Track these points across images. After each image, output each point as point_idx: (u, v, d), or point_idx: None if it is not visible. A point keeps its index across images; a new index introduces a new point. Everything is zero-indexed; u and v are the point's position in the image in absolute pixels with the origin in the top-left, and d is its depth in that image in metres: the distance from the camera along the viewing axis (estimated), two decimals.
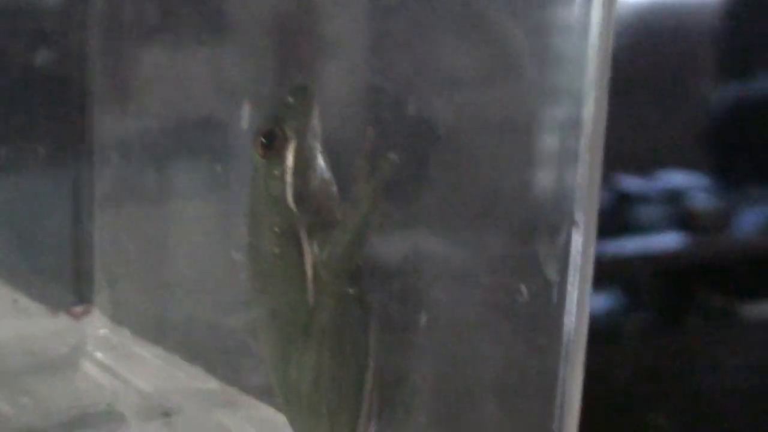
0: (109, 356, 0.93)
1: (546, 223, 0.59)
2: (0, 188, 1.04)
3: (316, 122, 0.69)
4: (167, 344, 0.91)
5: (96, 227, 0.99)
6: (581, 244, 0.58)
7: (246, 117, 0.78)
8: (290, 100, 0.70)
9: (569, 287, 0.59)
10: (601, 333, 1.98)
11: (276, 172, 0.69)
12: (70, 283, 1.01)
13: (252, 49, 0.84)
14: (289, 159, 0.69)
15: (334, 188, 0.70)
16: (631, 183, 2.21)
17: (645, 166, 2.25)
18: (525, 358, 0.62)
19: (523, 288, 0.61)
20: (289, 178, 0.69)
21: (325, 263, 0.69)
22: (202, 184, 0.88)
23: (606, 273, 2.14)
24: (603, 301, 2.15)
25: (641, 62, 2.20)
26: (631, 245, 2.14)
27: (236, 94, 0.83)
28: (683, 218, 2.20)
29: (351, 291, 0.69)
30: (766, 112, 2.28)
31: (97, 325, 0.97)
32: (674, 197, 2.23)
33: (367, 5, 0.72)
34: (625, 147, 2.19)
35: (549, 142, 0.59)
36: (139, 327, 0.94)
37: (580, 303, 0.58)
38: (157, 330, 0.92)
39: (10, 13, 0.99)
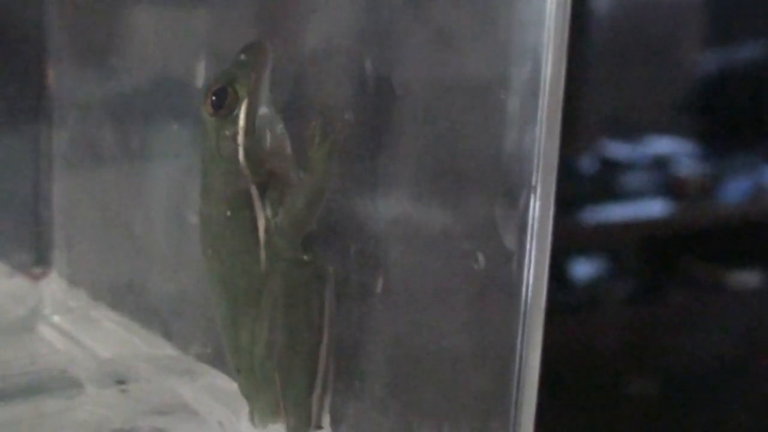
0: (66, 320, 0.91)
1: (504, 188, 0.57)
2: None
3: (267, 80, 0.67)
4: (124, 308, 0.89)
5: (55, 188, 0.97)
6: (539, 209, 0.56)
7: (201, 74, 0.75)
8: (243, 57, 0.67)
9: (527, 255, 0.56)
10: (585, 299, 1.99)
11: (227, 132, 0.66)
12: (29, 245, 0.99)
13: (212, 5, 0.81)
14: (241, 118, 0.66)
15: (289, 150, 0.68)
16: (617, 149, 2.21)
17: (631, 133, 2.25)
18: (481, 327, 0.60)
19: (480, 255, 0.58)
20: (240, 138, 0.66)
21: (279, 227, 0.67)
22: (161, 144, 0.86)
23: (591, 240, 2.14)
24: (588, 268, 2.15)
25: (628, 29, 2.20)
26: (616, 212, 2.15)
27: (197, 53, 0.80)
28: (669, 185, 2.21)
29: (305, 257, 0.67)
30: (753, 79, 2.29)
31: (54, 288, 0.95)
32: (660, 164, 2.23)
33: None
34: (612, 113, 2.20)
35: (508, 105, 0.57)
36: (97, 290, 0.92)
37: (538, 270, 0.56)
38: (114, 294, 0.91)
39: None
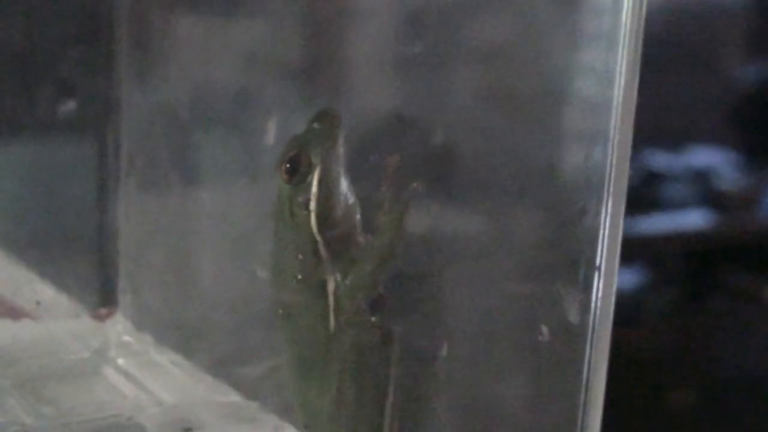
0: (132, 363, 0.93)
1: (566, 266, 0.59)
2: (28, 179, 1.04)
3: (340, 148, 0.69)
4: (190, 354, 0.91)
5: (122, 228, 0.98)
6: (602, 287, 0.58)
7: (272, 132, 0.77)
8: (315, 125, 0.69)
9: (590, 331, 0.58)
10: (627, 311, 1.98)
11: (300, 199, 0.69)
12: (95, 284, 1.00)
13: (283, 24, 0.82)
14: (314, 185, 0.68)
15: (358, 215, 0.70)
16: (660, 161, 2.22)
17: (673, 144, 2.25)
18: (547, 395, 0.62)
19: (544, 328, 0.61)
20: (313, 204, 0.69)
21: (347, 292, 0.69)
22: (232, 196, 0.88)
23: (633, 251, 2.15)
24: (630, 279, 2.16)
25: (672, 41, 2.20)
26: (658, 223, 2.16)
27: (268, 72, 0.82)
28: (710, 197, 2.22)
29: (372, 320, 0.69)
30: None
31: (119, 330, 0.97)
32: (702, 176, 2.24)
33: (392, 29, 0.72)
34: (655, 125, 2.20)
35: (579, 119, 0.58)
36: (162, 334, 0.94)
37: (600, 348, 0.58)
38: (180, 338, 0.92)
39: None
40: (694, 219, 2.19)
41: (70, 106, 0.99)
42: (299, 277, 0.70)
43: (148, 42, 0.94)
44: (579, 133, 0.59)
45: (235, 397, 0.85)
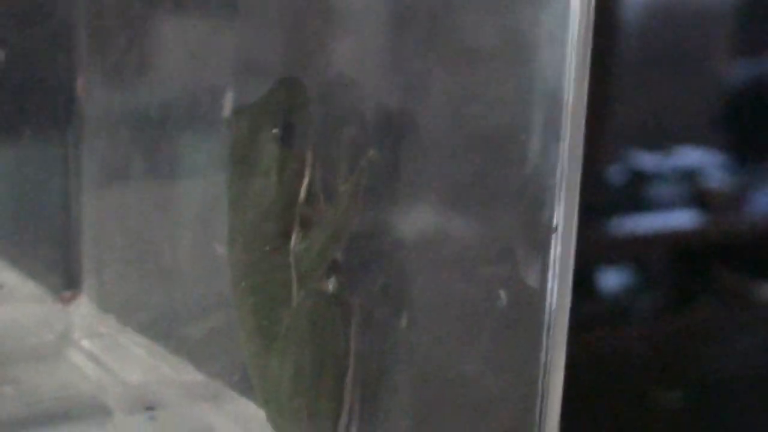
0: (96, 345, 0.92)
1: (526, 227, 0.58)
2: None
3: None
4: (152, 334, 0.90)
5: (85, 212, 0.98)
6: (560, 249, 0.57)
7: (228, 105, 0.76)
8: (283, 92, 0.68)
9: (549, 291, 0.57)
10: (613, 310, 1.99)
11: (294, 165, 0.68)
12: (57, 268, 1.00)
13: (252, 27, 0.82)
14: (310, 154, 0.68)
15: (318, 184, 0.69)
16: (646, 160, 2.22)
17: (660, 144, 2.25)
18: (504, 361, 0.61)
19: (503, 293, 0.59)
20: (308, 171, 0.68)
21: (300, 259, 0.68)
22: (189, 170, 0.87)
23: (619, 250, 2.15)
24: (616, 279, 2.17)
25: (657, 40, 2.21)
26: (644, 223, 2.16)
27: (227, 76, 0.81)
28: (697, 196, 2.21)
29: (330, 289, 0.68)
30: None
31: (83, 312, 0.97)
32: (689, 175, 2.23)
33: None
34: (641, 125, 2.21)
35: (530, 145, 0.58)
36: (125, 315, 0.93)
37: (559, 311, 0.57)
38: (143, 319, 0.92)
39: None
40: (681, 219, 2.19)
41: (36, 102, 1.00)
42: (267, 248, 0.69)
43: (109, 42, 0.94)
44: (536, 94, 0.58)
45: (197, 376, 0.85)
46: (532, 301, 0.58)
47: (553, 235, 0.56)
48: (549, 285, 0.57)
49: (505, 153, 0.59)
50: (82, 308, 0.97)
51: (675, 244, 2.22)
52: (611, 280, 2.16)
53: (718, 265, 2.22)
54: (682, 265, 2.23)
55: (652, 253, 2.23)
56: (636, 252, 2.20)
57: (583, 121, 0.55)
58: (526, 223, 0.58)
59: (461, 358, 0.63)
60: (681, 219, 2.18)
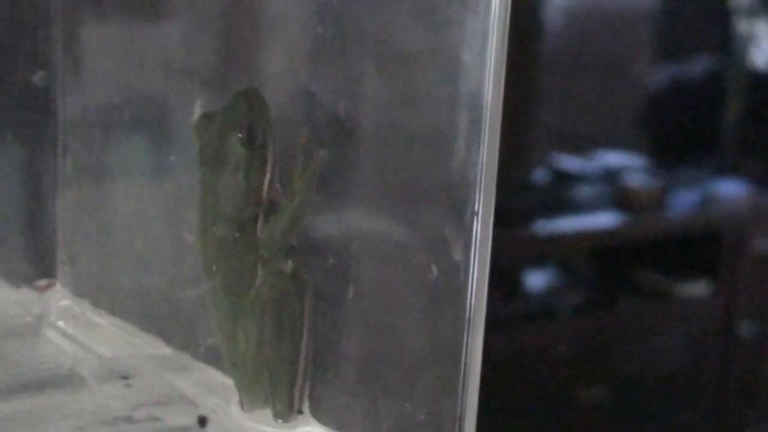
0: (71, 325, 1.00)
1: (453, 208, 0.69)
2: None
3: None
4: (124, 314, 0.99)
5: (59, 205, 1.05)
6: (481, 229, 0.68)
7: (198, 112, 0.87)
8: (243, 102, 0.80)
9: (472, 268, 0.69)
10: (535, 308, 2.02)
11: (256, 163, 0.79)
12: (33, 259, 1.06)
13: (200, 31, 0.91)
14: (270, 151, 0.79)
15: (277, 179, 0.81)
16: (569, 162, 2.24)
17: (581, 146, 2.27)
18: (435, 328, 0.73)
19: (434, 267, 0.71)
20: (269, 169, 0.79)
21: (264, 243, 0.79)
22: (153, 166, 0.96)
23: (541, 251, 2.19)
24: (538, 278, 2.20)
25: (578, 43, 2.24)
26: (566, 223, 2.20)
27: (188, 76, 0.91)
28: (619, 197, 2.24)
29: (288, 269, 0.79)
30: (701, 94, 2.32)
31: (59, 297, 1.04)
32: (610, 176, 2.25)
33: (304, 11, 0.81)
34: (562, 127, 2.24)
35: (460, 120, 0.68)
36: (99, 299, 1.01)
37: (480, 280, 0.69)
38: (115, 302, 1.00)
39: None
40: (602, 219, 2.22)
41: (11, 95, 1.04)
42: (236, 236, 0.80)
43: (80, 41, 1.01)
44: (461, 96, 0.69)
45: (167, 349, 0.94)
46: (458, 273, 0.69)
47: (475, 218, 0.68)
48: (471, 259, 0.69)
49: (435, 150, 0.70)
50: (58, 294, 1.04)
51: (596, 243, 2.24)
52: (533, 279, 2.21)
53: (638, 264, 2.26)
54: (603, 264, 2.25)
55: (574, 253, 2.24)
56: (557, 252, 2.23)
57: (499, 122, 0.66)
58: (453, 210, 0.70)
59: (400, 321, 0.75)
60: (602, 219, 2.22)
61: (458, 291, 0.70)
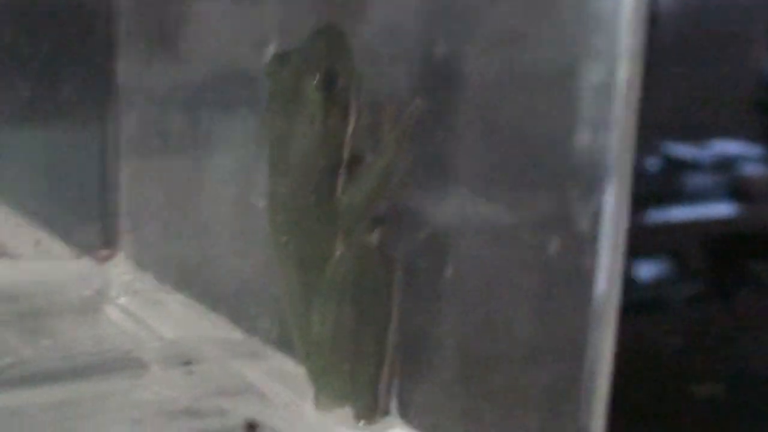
0: (132, 302, 0.93)
1: (580, 183, 0.57)
2: (28, 130, 1.05)
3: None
4: (190, 291, 0.90)
5: (123, 172, 0.99)
6: (614, 206, 0.55)
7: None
8: (323, 40, 0.67)
9: (601, 248, 0.56)
10: (650, 299, 1.97)
11: (337, 110, 0.67)
12: (96, 227, 1.01)
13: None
14: (354, 100, 0.67)
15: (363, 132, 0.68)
16: (684, 150, 2.22)
17: (698, 134, 2.25)
18: (554, 318, 0.60)
19: (555, 246, 0.58)
20: (353, 115, 0.67)
21: (345, 210, 0.67)
22: (227, 131, 0.87)
23: (656, 240, 2.15)
24: (652, 269, 2.16)
25: (697, 28, 2.20)
26: (682, 213, 2.16)
27: (266, 45, 0.81)
28: (735, 187, 2.21)
29: (373, 241, 0.67)
30: None
31: (121, 270, 0.97)
32: (726, 165, 2.24)
33: None
34: (679, 115, 2.20)
35: (585, 101, 0.56)
36: (163, 273, 0.94)
37: (612, 265, 0.56)
38: (180, 276, 0.92)
39: None
40: (718, 208, 2.17)
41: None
42: (312, 199, 0.68)
43: (148, 27, 0.95)
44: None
45: (235, 332, 0.85)
46: (583, 248, 0.56)
47: (606, 191, 0.55)
48: (602, 239, 0.56)
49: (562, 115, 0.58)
50: (120, 266, 0.98)
51: (713, 233, 2.21)
52: (647, 269, 2.16)
53: (755, 255, 2.21)
54: (719, 255, 2.23)
55: (690, 243, 2.23)
56: (673, 241, 2.19)
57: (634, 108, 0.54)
58: (582, 180, 0.57)
59: (509, 308, 0.62)
60: (719, 208, 2.18)
61: (583, 276, 0.56)
